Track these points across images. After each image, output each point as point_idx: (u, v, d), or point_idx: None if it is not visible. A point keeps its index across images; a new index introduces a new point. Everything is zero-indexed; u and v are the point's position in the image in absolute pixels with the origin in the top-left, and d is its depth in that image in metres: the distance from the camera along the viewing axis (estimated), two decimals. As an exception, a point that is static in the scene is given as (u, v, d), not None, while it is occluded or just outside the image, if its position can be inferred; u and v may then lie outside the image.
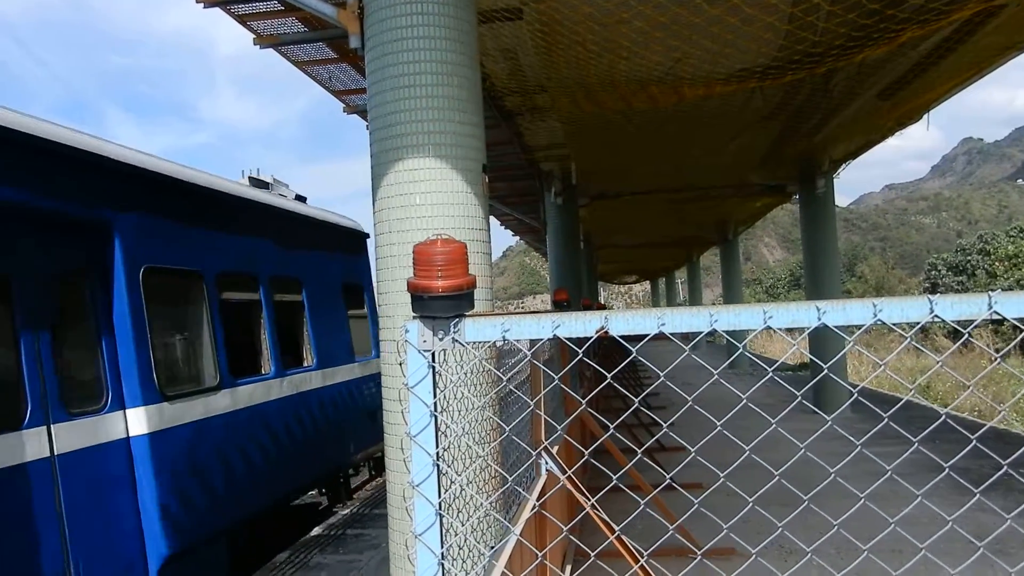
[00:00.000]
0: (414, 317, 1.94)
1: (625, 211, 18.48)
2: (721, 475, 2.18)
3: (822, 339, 13.07)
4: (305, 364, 9.19)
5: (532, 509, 3.78)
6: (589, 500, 4.05)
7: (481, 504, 3.04)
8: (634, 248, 30.25)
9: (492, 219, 20.37)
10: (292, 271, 9.10)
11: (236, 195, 8.05)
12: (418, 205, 4.22)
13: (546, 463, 4.19)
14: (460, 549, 2.38)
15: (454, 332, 1.89)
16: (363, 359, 10.88)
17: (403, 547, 4.20)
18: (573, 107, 9.87)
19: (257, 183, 9.37)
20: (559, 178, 14.22)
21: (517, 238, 30.56)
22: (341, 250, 10.90)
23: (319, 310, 9.59)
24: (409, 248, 4.20)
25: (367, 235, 12.00)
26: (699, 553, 2.38)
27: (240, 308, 8.20)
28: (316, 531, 8.42)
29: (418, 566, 1.84)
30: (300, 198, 10.42)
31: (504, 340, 2.04)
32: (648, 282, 60.34)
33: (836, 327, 1.74)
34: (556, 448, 4.44)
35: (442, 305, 1.90)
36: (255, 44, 7.45)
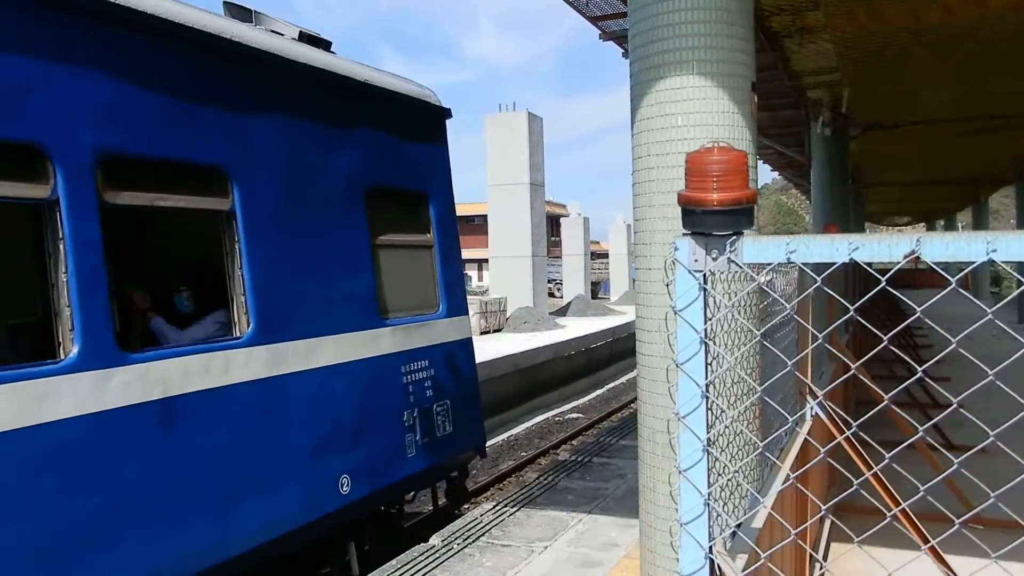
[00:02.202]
0: (684, 234, 1.76)
1: (902, 143, 16.74)
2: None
3: None
4: (234, 334, 5.14)
5: (795, 455, 3.52)
6: (860, 453, 3.70)
7: (751, 441, 2.83)
8: (909, 186, 27.50)
9: (750, 152, 19.27)
10: (196, 151, 4.95)
11: None
12: (680, 127, 3.97)
13: (812, 408, 3.88)
14: (722, 490, 2.22)
15: (730, 251, 1.69)
16: (410, 320, 6.71)
17: (652, 480, 4.10)
18: (850, 25, 8.93)
19: (236, 9, 6.09)
20: (828, 107, 13.09)
21: (774, 175, 28.97)
22: (371, 127, 6.49)
23: (280, 231, 5.48)
24: (669, 173, 3.97)
25: (444, 112, 7.64)
26: (982, 523, 2.03)
27: None
28: (563, 456, 8.60)
29: (682, 504, 1.70)
30: (317, 42, 6.44)
31: (779, 266, 1.82)
32: (923, 225, 55.00)
33: None
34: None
35: (718, 220, 1.70)
36: (515, -29, 7.41)
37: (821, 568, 4.52)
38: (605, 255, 56.14)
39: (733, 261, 1.69)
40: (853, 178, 19.01)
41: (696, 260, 1.72)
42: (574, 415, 19.08)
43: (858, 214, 24.90)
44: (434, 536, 6.00)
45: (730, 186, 1.71)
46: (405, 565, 5.43)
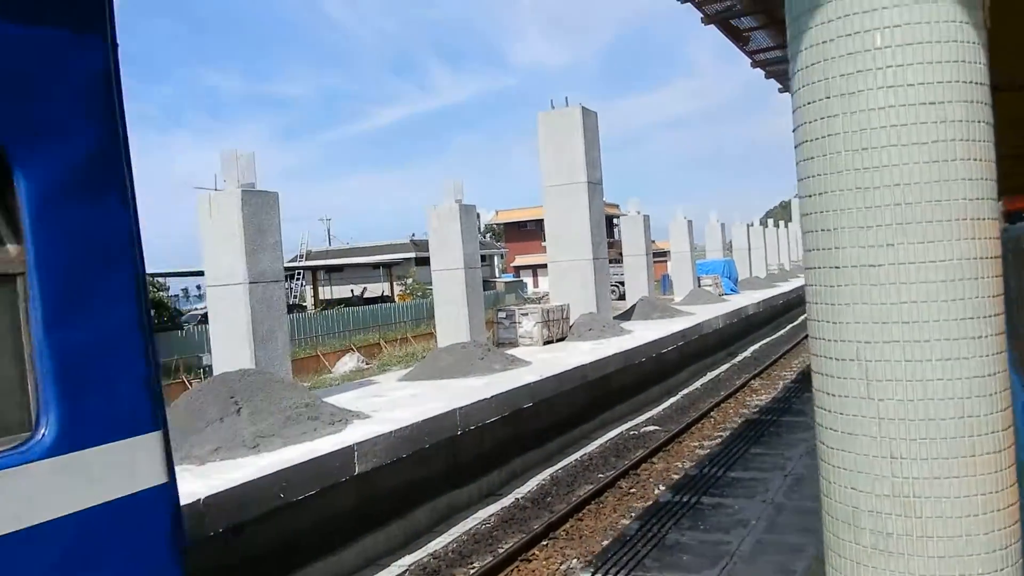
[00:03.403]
0: None
1: None
2: None
3: None
4: None
5: None
6: None
7: None
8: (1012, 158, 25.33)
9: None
10: None
11: None
12: (879, 49, 2.63)
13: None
14: None
15: None
16: None
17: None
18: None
19: None
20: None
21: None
22: None
23: None
24: (864, 121, 2.51)
25: None
26: None
27: None
28: (665, 496, 7.20)
29: None
30: None
31: None
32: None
33: None
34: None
35: None
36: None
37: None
38: (663, 253, 54.43)
39: None
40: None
41: None
42: (649, 427, 17.62)
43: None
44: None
45: None
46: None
